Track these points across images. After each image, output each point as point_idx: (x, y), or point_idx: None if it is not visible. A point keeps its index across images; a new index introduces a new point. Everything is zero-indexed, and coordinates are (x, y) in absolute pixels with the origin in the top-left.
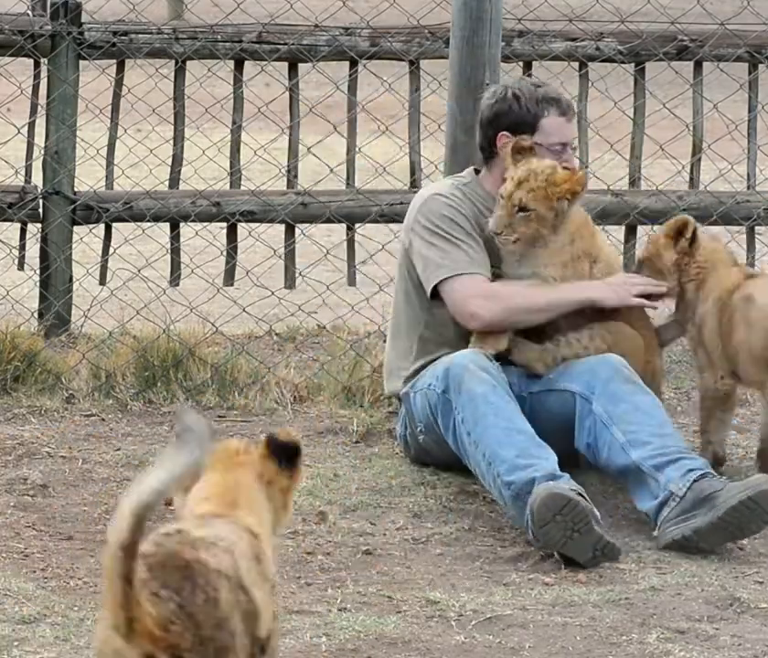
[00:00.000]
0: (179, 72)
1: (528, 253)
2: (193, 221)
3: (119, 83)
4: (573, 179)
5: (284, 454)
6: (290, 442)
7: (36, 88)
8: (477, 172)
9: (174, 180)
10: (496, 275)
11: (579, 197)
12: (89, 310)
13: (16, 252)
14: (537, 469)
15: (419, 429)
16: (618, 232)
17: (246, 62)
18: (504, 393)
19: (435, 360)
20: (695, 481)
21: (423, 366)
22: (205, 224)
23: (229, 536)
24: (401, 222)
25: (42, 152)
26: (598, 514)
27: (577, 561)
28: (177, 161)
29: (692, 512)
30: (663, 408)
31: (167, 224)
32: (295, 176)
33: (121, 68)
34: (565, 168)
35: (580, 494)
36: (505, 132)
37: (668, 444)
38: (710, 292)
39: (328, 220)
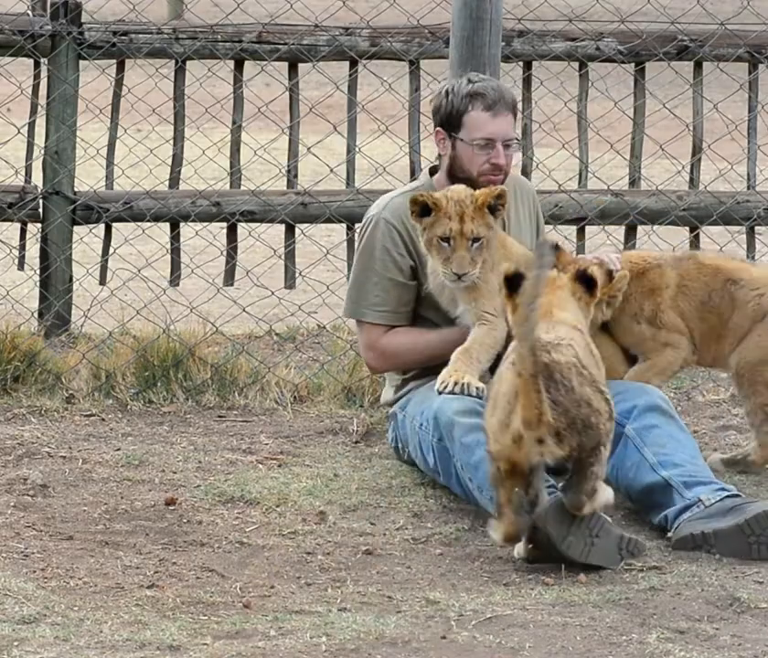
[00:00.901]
0: (179, 72)
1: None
2: (193, 221)
3: (119, 83)
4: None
5: (585, 280)
6: (590, 274)
7: (36, 88)
8: (434, 172)
9: (174, 180)
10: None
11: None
12: (89, 310)
13: (15, 252)
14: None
15: (406, 452)
16: (618, 232)
17: (246, 62)
18: None
19: (421, 373)
20: (727, 497)
21: (412, 378)
22: (205, 224)
23: (567, 335)
24: None
25: (42, 152)
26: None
27: (609, 568)
28: (177, 161)
29: (716, 516)
30: (697, 443)
31: (167, 224)
32: (295, 176)
33: (121, 68)
34: (493, 164)
35: None
36: (439, 129)
37: (701, 470)
38: None
39: (328, 220)
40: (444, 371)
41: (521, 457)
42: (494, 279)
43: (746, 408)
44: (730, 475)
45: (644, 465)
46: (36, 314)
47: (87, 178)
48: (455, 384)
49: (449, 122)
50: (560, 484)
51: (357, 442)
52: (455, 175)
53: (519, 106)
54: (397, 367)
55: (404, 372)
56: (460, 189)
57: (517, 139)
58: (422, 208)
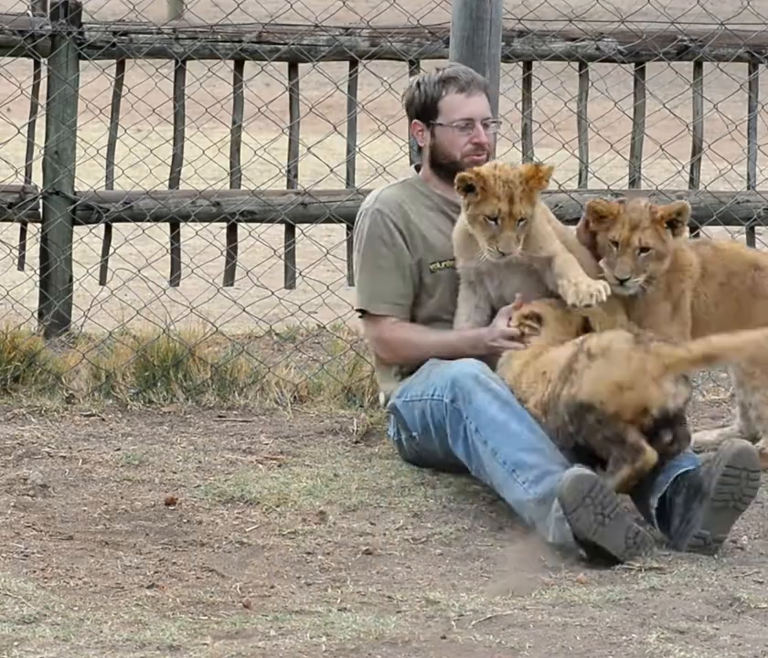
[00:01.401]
0: (179, 72)
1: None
2: (193, 221)
3: (119, 83)
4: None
5: None
6: None
7: (36, 88)
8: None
9: (174, 180)
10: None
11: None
12: (89, 310)
13: (16, 252)
14: (554, 472)
15: (413, 435)
16: None
17: (246, 62)
18: (516, 403)
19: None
20: (677, 477)
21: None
22: (205, 224)
23: None
24: None
25: (42, 152)
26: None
27: (612, 555)
28: (177, 161)
29: (688, 513)
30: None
31: (167, 224)
32: (295, 176)
33: (121, 68)
34: (475, 144)
35: None
36: (416, 121)
37: None
38: None
39: (328, 220)
40: (571, 285)
41: (659, 398)
42: (547, 228)
43: (753, 400)
44: None
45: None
46: (36, 314)
47: (87, 178)
48: (591, 295)
49: (424, 111)
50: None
51: (357, 442)
52: (438, 164)
53: (519, 106)
54: (400, 359)
55: (400, 374)
56: (507, 168)
57: (494, 120)
58: (467, 186)
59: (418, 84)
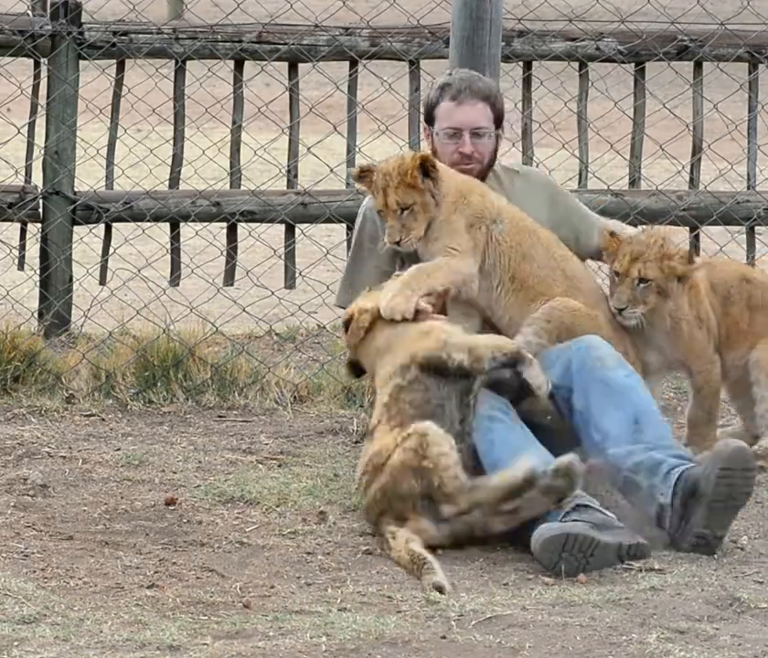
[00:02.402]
0: (179, 72)
1: None
2: (193, 221)
3: (119, 83)
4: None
5: None
6: None
7: (36, 88)
8: None
9: (174, 180)
10: None
11: None
12: (89, 310)
13: (16, 252)
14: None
15: None
16: None
17: (246, 62)
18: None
19: None
20: (676, 482)
21: None
22: (205, 224)
23: None
24: None
25: (42, 152)
26: (607, 514)
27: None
28: (177, 161)
29: (683, 514)
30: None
31: (167, 224)
32: (295, 176)
33: (121, 68)
34: (461, 154)
35: (577, 507)
36: (425, 125)
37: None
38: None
39: (328, 220)
40: (392, 285)
41: None
42: (454, 219)
43: (760, 409)
44: None
45: (593, 448)
46: (36, 314)
47: (87, 178)
48: (390, 309)
49: (427, 115)
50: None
51: (357, 442)
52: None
53: (519, 106)
54: None
55: None
56: (391, 161)
57: (491, 132)
58: (360, 178)
59: (430, 88)
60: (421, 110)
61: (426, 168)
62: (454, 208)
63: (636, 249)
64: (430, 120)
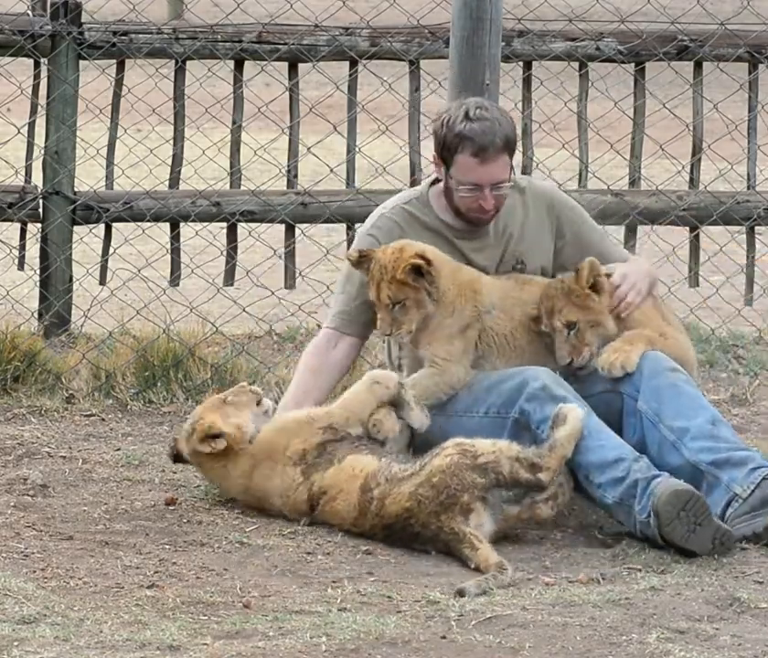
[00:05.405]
0: (179, 72)
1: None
2: (193, 221)
3: (119, 83)
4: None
5: None
6: None
7: (36, 88)
8: (437, 181)
9: (174, 180)
10: None
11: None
12: (89, 310)
13: (16, 252)
14: (636, 471)
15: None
16: (618, 232)
17: (246, 62)
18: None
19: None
20: (762, 480)
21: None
22: (205, 224)
23: None
24: None
25: (42, 152)
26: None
27: (695, 554)
28: (177, 161)
29: (759, 510)
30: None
31: (167, 224)
32: (295, 176)
33: (121, 68)
34: (481, 206)
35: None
36: (435, 154)
37: (722, 436)
38: None
39: (328, 220)
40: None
41: None
42: (449, 323)
43: None
44: None
45: (664, 445)
46: (36, 314)
47: (87, 178)
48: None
49: (442, 154)
50: None
51: None
52: (450, 198)
53: (519, 106)
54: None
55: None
56: (389, 252)
57: (508, 180)
58: (359, 263)
59: (444, 123)
60: (433, 134)
61: (420, 270)
62: (452, 310)
63: (550, 292)
64: (444, 159)
